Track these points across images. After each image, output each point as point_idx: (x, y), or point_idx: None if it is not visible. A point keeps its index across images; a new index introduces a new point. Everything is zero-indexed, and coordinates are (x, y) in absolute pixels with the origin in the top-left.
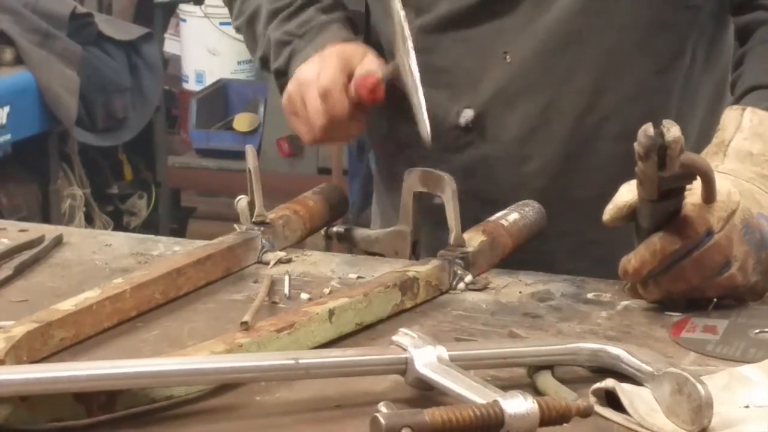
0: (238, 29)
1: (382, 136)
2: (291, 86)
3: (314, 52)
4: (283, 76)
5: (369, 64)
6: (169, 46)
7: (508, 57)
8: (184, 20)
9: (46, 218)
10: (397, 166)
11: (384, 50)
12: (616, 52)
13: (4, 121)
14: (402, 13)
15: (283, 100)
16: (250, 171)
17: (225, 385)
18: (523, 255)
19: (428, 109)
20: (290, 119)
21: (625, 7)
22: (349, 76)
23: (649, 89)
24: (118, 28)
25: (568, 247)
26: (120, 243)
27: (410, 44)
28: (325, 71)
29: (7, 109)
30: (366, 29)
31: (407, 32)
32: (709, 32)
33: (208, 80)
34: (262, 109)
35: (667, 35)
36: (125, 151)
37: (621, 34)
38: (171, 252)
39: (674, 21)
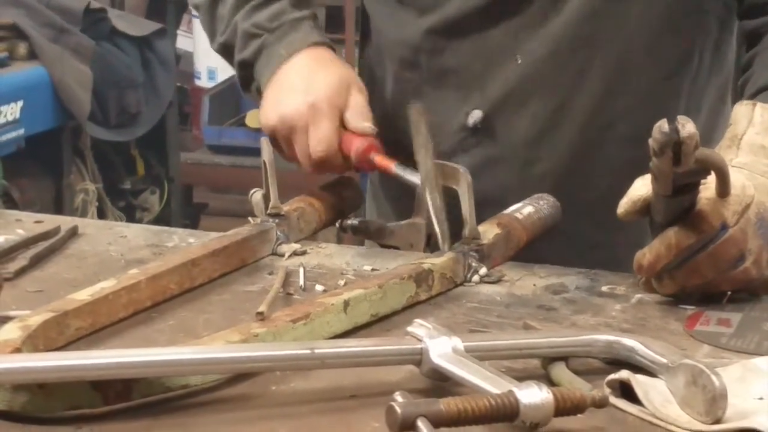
0: (196, 6)
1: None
2: (274, 119)
3: (285, 53)
4: (248, 68)
5: (360, 111)
6: (182, 42)
7: (518, 59)
8: (196, 16)
9: (59, 213)
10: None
11: (383, 55)
12: (626, 56)
13: (17, 115)
14: (426, 136)
15: (264, 126)
16: (265, 163)
17: (240, 375)
18: (529, 253)
19: (435, 111)
20: (272, 143)
21: (636, 12)
22: (341, 122)
23: (658, 93)
24: (132, 23)
25: (573, 248)
26: (135, 234)
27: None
28: (318, 129)
29: (20, 103)
30: (362, 33)
31: (430, 154)
32: (715, 36)
33: (221, 77)
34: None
35: (676, 39)
36: (138, 146)
37: (631, 38)
38: (186, 244)
39: (683, 25)
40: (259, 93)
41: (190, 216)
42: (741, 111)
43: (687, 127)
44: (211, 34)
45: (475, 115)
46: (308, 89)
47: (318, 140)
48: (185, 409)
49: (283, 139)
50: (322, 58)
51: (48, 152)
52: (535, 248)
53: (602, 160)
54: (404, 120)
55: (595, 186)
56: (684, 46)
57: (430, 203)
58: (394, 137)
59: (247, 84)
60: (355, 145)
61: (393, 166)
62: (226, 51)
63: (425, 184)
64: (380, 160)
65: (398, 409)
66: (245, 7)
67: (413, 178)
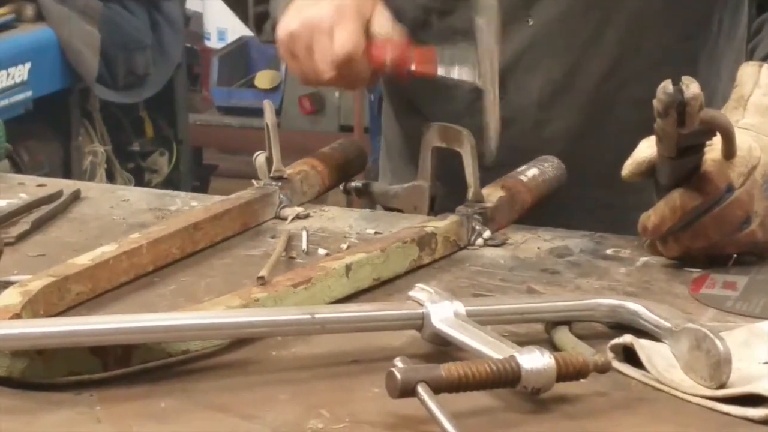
0: None
1: (397, 91)
2: (295, 23)
3: None
4: (264, 1)
5: (386, 19)
6: (192, 3)
7: (530, 20)
8: None
9: (67, 175)
10: (411, 122)
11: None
12: (641, 18)
13: (25, 77)
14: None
15: (282, 34)
16: (267, 126)
17: (241, 340)
18: (540, 217)
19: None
20: (286, 57)
21: None
22: (366, 31)
23: (673, 56)
24: None
25: (585, 210)
26: (138, 198)
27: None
28: (344, 29)
29: (28, 65)
30: None
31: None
32: (734, 2)
33: (230, 37)
34: (283, 67)
35: (692, 2)
36: (146, 108)
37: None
38: (188, 207)
39: None
40: (274, 30)
41: (200, 177)
42: (747, 72)
43: (691, 87)
44: None
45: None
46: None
47: (343, 40)
48: (185, 374)
49: (303, 47)
50: None
51: (56, 114)
52: (545, 210)
53: (614, 121)
54: (418, 83)
55: (607, 148)
56: (701, 10)
57: (487, 95)
58: (407, 103)
59: (260, 23)
60: (389, 49)
61: (437, 68)
62: None
63: (485, 76)
64: (420, 62)
65: (398, 375)
66: None
67: (463, 75)
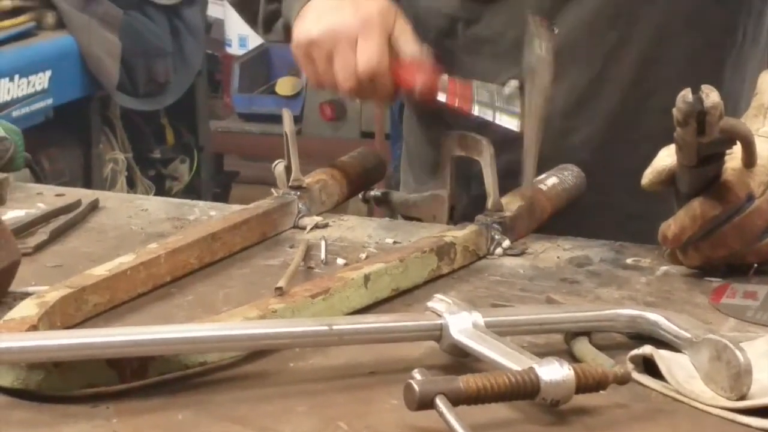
0: None
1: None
2: (317, 30)
3: None
4: (275, 1)
5: (411, 38)
6: (213, 10)
7: (555, 28)
8: None
9: (88, 183)
10: (433, 129)
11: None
12: (667, 26)
13: (46, 85)
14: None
15: (301, 39)
16: (286, 134)
17: (258, 352)
18: (563, 226)
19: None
20: (303, 61)
21: None
22: (390, 45)
23: (699, 64)
24: None
25: (610, 219)
26: (156, 208)
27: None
28: (370, 42)
29: (48, 73)
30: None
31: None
32: (757, 8)
33: (251, 44)
34: (304, 73)
35: (718, 9)
36: (167, 115)
37: (671, 8)
38: (207, 217)
39: None
40: (286, 30)
41: (221, 184)
42: (767, 80)
43: (711, 96)
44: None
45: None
46: (357, 5)
47: (369, 54)
48: (202, 386)
49: (322, 55)
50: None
51: (77, 122)
52: (569, 220)
53: (640, 130)
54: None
55: (631, 157)
56: (726, 17)
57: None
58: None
59: (270, 23)
60: (419, 73)
61: (470, 106)
62: None
63: (527, 120)
64: (454, 94)
65: (416, 387)
66: None
67: (503, 121)
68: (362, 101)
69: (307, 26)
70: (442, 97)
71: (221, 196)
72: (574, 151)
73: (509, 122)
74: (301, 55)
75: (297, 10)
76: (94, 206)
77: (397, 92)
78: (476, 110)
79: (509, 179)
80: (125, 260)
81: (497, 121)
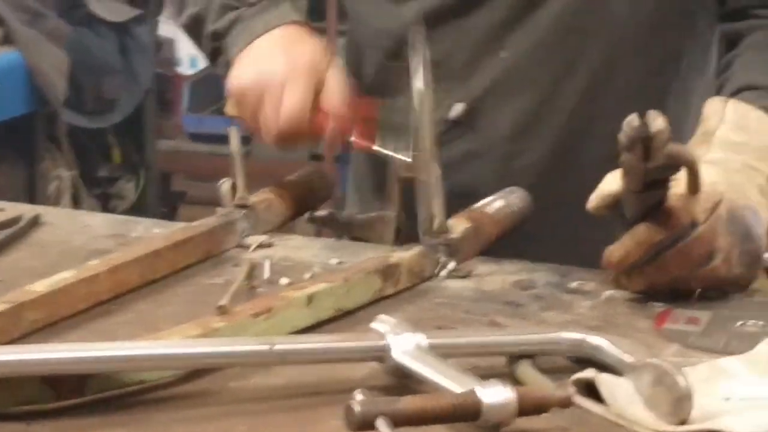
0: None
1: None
2: (249, 77)
3: (261, 26)
4: (219, 38)
5: (337, 87)
6: (164, 29)
7: (503, 52)
8: None
9: (32, 199)
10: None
11: (365, 45)
12: (613, 52)
13: None
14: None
15: (235, 83)
16: (233, 153)
17: (199, 371)
18: (509, 249)
19: None
20: (236, 106)
21: (623, 7)
22: (317, 94)
23: (645, 90)
24: (110, 9)
25: (555, 243)
26: (99, 224)
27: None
28: (294, 92)
29: None
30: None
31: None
32: (705, 37)
33: (202, 64)
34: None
35: (664, 37)
36: (114, 133)
37: (617, 35)
38: (150, 234)
39: (672, 24)
40: (228, 66)
41: (168, 204)
42: (713, 107)
43: (657, 121)
44: (180, 6)
45: (458, 108)
46: (289, 53)
47: (291, 102)
48: (141, 405)
49: (253, 101)
50: (301, 33)
51: (22, 138)
52: (514, 243)
53: (585, 155)
54: (386, 111)
55: (577, 181)
56: (672, 45)
57: (424, 181)
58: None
59: (214, 57)
60: (331, 123)
61: (374, 145)
62: (195, 24)
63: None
64: (359, 139)
65: (357, 408)
66: None
67: (400, 154)
68: (288, 149)
69: (239, 72)
70: (352, 138)
71: (168, 216)
72: (520, 174)
73: (404, 154)
74: (234, 98)
75: (236, 52)
76: (35, 222)
77: (317, 138)
78: (378, 146)
79: (456, 201)
80: (65, 276)
81: (395, 155)
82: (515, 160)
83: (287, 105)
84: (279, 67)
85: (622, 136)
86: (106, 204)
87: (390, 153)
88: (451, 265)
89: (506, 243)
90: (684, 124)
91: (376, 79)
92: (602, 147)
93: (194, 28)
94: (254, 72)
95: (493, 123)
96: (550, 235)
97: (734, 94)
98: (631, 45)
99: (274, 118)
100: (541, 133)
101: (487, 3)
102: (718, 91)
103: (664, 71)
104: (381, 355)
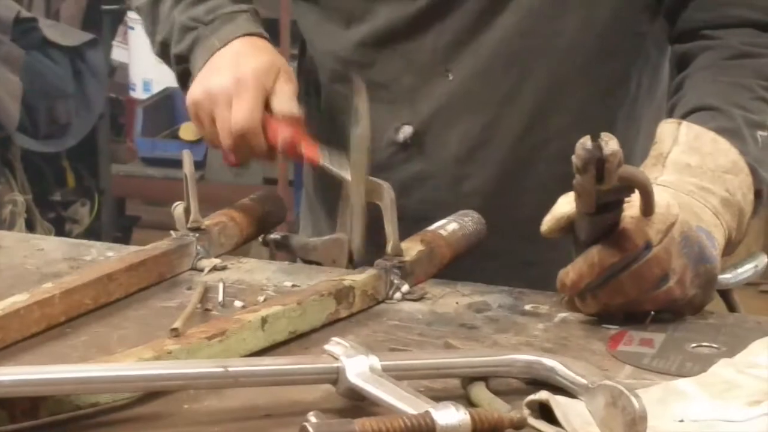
0: (137, 9)
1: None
2: (198, 93)
3: (219, 43)
4: (183, 62)
5: (287, 96)
6: (117, 53)
7: (449, 74)
8: (132, 28)
9: None
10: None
11: (316, 67)
12: (560, 75)
13: None
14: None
15: (188, 101)
16: (186, 176)
17: (152, 393)
18: (463, 272)
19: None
20: (194, 121)
21: (570, 31)
22: (266, 103)
23: (593, 113)
24: (63, 33)
25: (507, 265)
26: (53, 248)
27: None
28: (242, 103)
29: None
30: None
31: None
32: (653, 60)
33: (156, 89)
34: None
35: (612, 61)
36: (68, 157)
37: (565, 58)
38: (104, 257)
39: (619, 47)
40: None
41: (122, 229)
42: (666, 129)
43: (610, 144)
44: (152, 35)
45: (406, 131)
46: (236, 67)
47: (240, 113)
48: (94, 428)
49: (205, 115)
50: (254, 45)
51: None
52: (466, 266)
53: (534, 177)
54: (337, 133)
55: (526, 204)
56: (620, 68)
57: (352, 200)
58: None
59: (185, 81)
60: (282, 132)
61: (320, 157)
62: (164, 50)
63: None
64: (308, 148)
65: (311, 430)
66: (183, 2)
67: (342, 171)
68: (243, 161)
69: (192, 89)
70: (301, 150)
71: (122, 240)
72: (468, 197)
73: (345, 173)
74: (192, 116)
75: (196, 71)
76: None
77: (273, 149)
78: (324, 161)
79: (410, 223)
80: (19, 299)
81: (339, 172)
82: (464, 182)
83: (236, 115)
84: (226, 81)
85: (575, 158)
86: (60, 228)
87: (334, 169)
88: (405, 287)
89: (460, 265)
90: (634, 146)
91: (327, 100)
92: (551, 169)
93: (165, 56)
94: (203, 87)
95: (441, 145)
96: (502, 258)
97: (686, 115)
98: (578, 68)
99: (226, 129)
100: (489, 155)
101: (434, 26)
102: (670, 113)
103: (613, 94)
104: (335, 377)
